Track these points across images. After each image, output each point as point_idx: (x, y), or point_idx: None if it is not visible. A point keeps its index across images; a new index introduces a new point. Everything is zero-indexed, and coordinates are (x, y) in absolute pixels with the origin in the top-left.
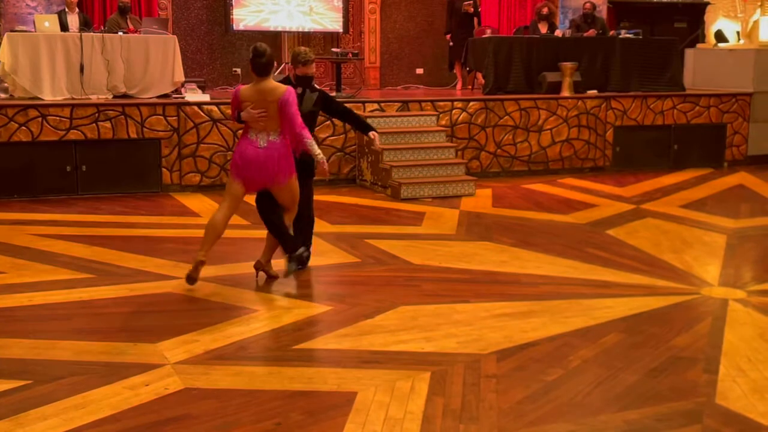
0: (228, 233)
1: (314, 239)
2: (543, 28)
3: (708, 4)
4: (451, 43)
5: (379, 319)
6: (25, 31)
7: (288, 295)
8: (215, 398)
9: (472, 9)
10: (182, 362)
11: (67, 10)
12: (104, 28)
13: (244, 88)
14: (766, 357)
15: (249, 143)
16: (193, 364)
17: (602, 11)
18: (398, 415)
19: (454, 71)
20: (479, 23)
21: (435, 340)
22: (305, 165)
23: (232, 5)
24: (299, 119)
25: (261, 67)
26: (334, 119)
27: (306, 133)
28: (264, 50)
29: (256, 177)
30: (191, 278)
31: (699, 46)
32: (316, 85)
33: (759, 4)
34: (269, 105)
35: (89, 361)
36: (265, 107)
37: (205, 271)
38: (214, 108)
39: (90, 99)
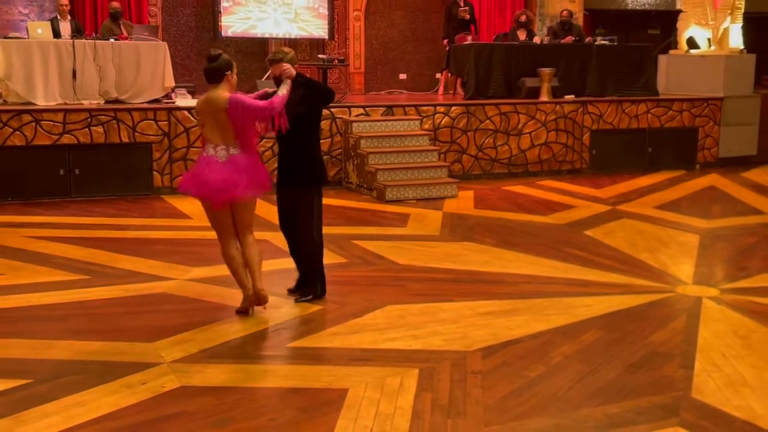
0: None
1: None
2: (522, 35)
3: (680, 11)
4: (447, 48)
5: (367, 318)
6: (18, 38)
7: (279, 295)
8: (211, 395)
9: (468, 15)
10: (178, 361)
11: (59, 17)
12: (96, 35)
13: (198, 100)
14: (739, 352)
15: (208, 159)
16: (188, 362)
17: (579, 18)
18: (388, 410)
19: (438, 76)
20: (477, 30)
21: (422, 337)
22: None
23: (220, 12)
24: (257, 103)
25: (208, 72)
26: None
27: (271, 104)
28: (215, 55)
29: (213, 195)
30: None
31: (672, 52)
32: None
33: (729, 12)
34: (217, 114)
35: (87, 360)
36: (213, 117)
37: (199, 272)
38: None
39: (82, 104)
